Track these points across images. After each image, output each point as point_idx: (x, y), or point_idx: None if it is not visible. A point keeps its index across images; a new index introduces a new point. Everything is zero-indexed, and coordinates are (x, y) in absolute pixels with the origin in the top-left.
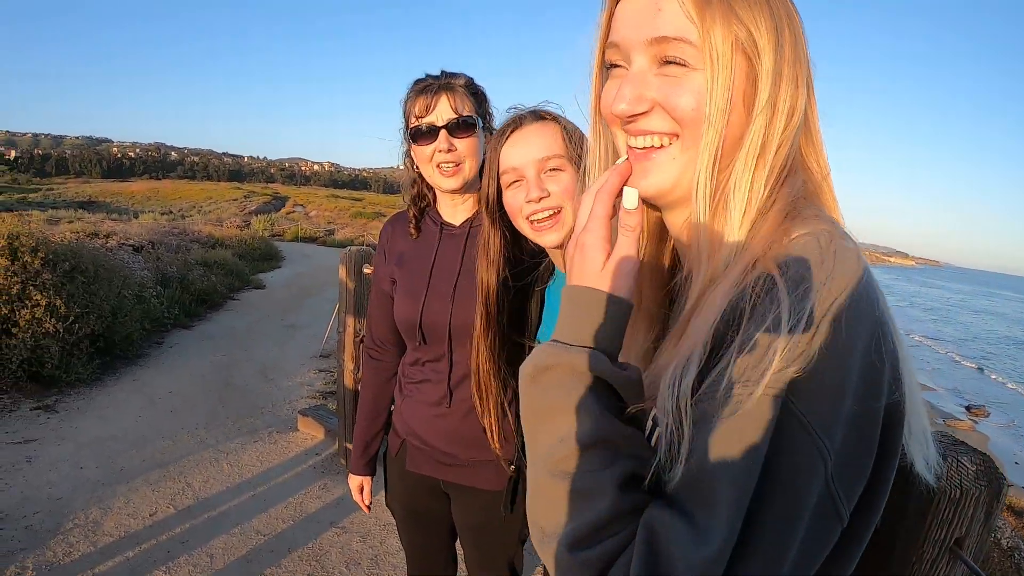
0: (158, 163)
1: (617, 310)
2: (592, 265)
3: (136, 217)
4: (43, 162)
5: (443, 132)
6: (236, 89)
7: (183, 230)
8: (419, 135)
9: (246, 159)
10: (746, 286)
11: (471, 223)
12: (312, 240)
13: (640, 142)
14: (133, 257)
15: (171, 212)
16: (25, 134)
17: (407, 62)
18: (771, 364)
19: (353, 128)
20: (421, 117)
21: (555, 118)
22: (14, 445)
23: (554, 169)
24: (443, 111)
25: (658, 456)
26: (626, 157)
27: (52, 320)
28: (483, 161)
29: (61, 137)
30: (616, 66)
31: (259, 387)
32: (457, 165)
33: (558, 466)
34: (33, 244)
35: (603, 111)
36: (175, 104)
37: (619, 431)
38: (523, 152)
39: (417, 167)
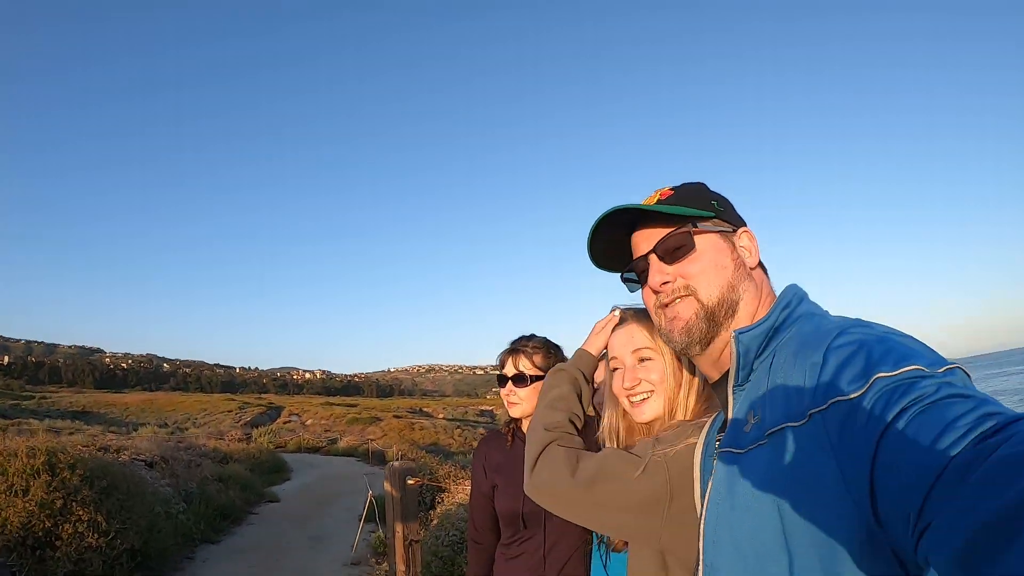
0: (151, 374)
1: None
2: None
3: (135, 430)
4: (36, 369)
5: (509, 382)
6: (224, 299)
7: (190, 445)
8: (499, 381)
9: (238, 370)
10: None
11: None
12: (315, 450)
13: None
14: (149, 473)
15: (167, 424)
16: (19, 340)
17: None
18: None
19: (342, 334)
20: (499, 369)
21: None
22: None
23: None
24: (509, 369)
25: None
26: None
27: (94, 535)
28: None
29: (54, 345)
30: None
31: None
32: (516, 404)
33: (553, 402)
34: (71, 460)
35: None
36: (166, 316)
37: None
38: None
39: None
